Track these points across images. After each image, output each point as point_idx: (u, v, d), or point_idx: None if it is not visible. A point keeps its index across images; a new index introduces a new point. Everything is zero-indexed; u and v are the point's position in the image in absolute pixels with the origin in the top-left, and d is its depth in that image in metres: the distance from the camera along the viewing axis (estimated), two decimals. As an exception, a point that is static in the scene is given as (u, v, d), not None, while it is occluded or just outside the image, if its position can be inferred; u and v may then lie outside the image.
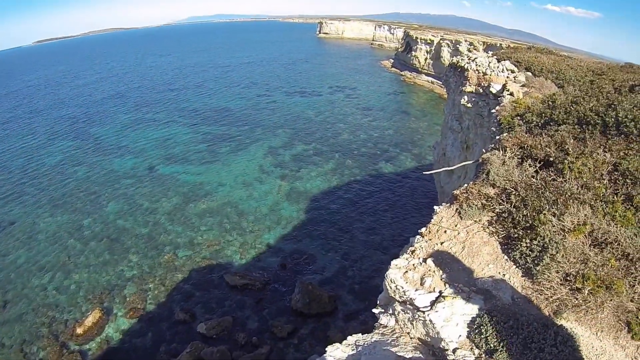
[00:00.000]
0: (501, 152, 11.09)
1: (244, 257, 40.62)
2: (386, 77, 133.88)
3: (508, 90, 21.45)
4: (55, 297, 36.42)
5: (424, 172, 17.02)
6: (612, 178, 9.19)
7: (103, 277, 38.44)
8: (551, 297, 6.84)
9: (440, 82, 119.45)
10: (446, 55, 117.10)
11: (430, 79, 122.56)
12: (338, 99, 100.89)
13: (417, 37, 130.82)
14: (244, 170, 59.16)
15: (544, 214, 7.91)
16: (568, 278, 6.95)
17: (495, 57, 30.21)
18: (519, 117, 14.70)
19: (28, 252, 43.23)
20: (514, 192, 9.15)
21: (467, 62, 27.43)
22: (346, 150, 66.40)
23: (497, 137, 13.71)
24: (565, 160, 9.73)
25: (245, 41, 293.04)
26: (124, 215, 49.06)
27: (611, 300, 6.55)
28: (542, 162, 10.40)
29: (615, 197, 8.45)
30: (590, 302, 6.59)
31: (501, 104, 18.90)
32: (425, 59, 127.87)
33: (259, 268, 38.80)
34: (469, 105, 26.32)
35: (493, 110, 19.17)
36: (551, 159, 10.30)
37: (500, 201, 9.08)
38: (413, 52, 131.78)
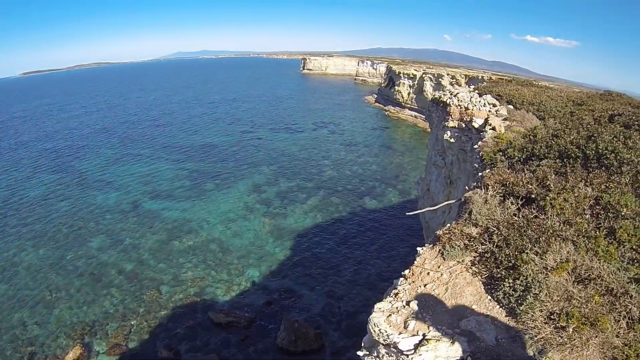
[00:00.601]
0: (483, 190, 11.14)
1: (228, 294, 40.03)
2: (370, 112, 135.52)
3: (490, 125, 21.70)
4: (35, 332, 35.52)
5: (407, 213, 17.07)
6: (594, 212, 9.21)
7: (85, 313, 37.60)
8: (535, 336, 6.74)
9: (424, 116, 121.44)
10: (429, 89, 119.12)
11: (413, 113, 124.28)
12: (322, 135, 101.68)
13: (399, 72, 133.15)
14: (228, 207, 58.80)
15: (527, 253, 7.91)
16: (552, 316, 6.87)
17: (476, 91, 30.65)
18: (501, 153, 14.80)
19: (8, 285, 42.38)
20: (496, 232, 9.14)
21: (449, 97, 27.77)
22: (331, 187, 66.52)
23: (480, 174, 13.75)
24: (547, 197, 9.75)
25: (230, 77, 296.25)
26: (107, 250, 48.39)
27: (596, 337, 6.45)
28: (524, 199, 10.38)
29: (597, 232, 8.45)
30: (575, 339, 6.49)
31: (483, 139, 19.03)
32: (408, 93, 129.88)
33: (244, 305, 38.21)
34: (452, 140, 26.58)
35: (475, 146, 19.28)
36: (533, 195, 10.29)
37: (483, 241, 9.07)
38: (396, 87, 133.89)
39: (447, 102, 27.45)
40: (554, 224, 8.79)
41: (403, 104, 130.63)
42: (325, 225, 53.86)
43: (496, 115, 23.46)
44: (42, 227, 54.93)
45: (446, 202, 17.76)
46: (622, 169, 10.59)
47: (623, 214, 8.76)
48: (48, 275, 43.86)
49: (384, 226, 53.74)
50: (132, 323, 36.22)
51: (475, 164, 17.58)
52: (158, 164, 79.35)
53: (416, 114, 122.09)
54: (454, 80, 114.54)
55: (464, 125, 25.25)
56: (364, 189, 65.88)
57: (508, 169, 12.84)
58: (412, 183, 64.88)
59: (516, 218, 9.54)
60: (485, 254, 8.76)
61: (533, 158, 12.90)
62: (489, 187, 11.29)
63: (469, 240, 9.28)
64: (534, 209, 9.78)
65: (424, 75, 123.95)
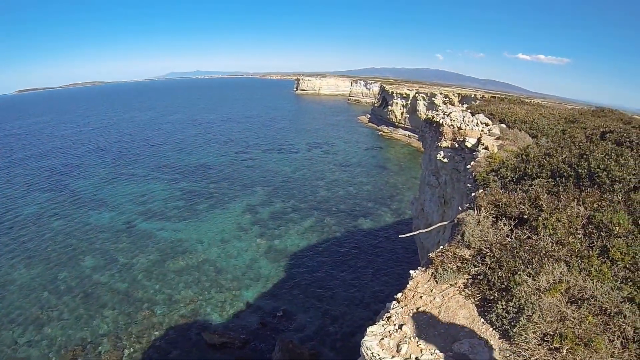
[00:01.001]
0: (476, 211, 11.18)
1: (222, 315, 39.69)
2: (363, 132, 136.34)
3: (483, 144, 21.85)
4: (27, 351, 34.99)
5: (399, 236, 17.07)
6: (587, 231, 9.22)
7: (77, 333, 37.07)
8: (529, 358, 6.69)
9: (417, 136, 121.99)
10: (422, 109, 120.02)
11: (407, 132, 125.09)
12: (316, 156, 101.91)
13: (392, 92, 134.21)
14: (222, 228, 58.56)
15: (519, 274, 7.92)
16: (546, 338, 6.82)
17: (469, 110, 30.87)
18: (493, 173, 14.86)
19: (0, 304, 41.82)
20: (488, 254, 9.16)
21: (442, 117, 27.99)
22: (325, 207, 66.46)
23: (473, 195, 13.81)
24: (539, 217, 9.77)
25: (224, 98, 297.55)
26: (100, 269, 47.93)
27: (590, 357, 6.39)
28: (516, 220, 10.41)
29: (590, 252, 8.47)
30: (569, 361, 6.50)
31: (476, 159, 19.20)
32: (402, 113, 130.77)
33: (238, 326, 37.86)
34: (445, 160, 26.74)
35: (469, 166, 19.41)
36: (525, 216, 10.31)
37: (475, 263, 9.10)
38: (389, 107, 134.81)
39: (440, 122, 27.68)
40: (547, 244, 8.80)
41: (396, 123, 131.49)
42: (320, 246, 53.69)
43: (489, 135, 23.65)
44: (35, 246, 54.46)
45: (439, 224, 17.82)
46: (614, 186, 10.68)
47: (616, 232, 8.78)
48: (40, 294, 43.34)
49: (379, 246, 53.69)
50: (125, 344, 35.75)
51: (468, 184, 17.65)
52: (152, 184, 79.13)
53: (410, 133, 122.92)
54: (447, 99, 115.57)
55: (457, 145, 25.41)
56: (358, 210, 65.87)
57: (501, 189, 12.88)
58: (407, 203, 64.85)
59: (509, 239, 9.57)
60: (478, 276, 8.78)
61: (526, 177, 12.96)
62: (482, 208, 11.32)
63: (461, 263, 9.31)
64: (526, 229, 9.79)
65: (417, 94, 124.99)
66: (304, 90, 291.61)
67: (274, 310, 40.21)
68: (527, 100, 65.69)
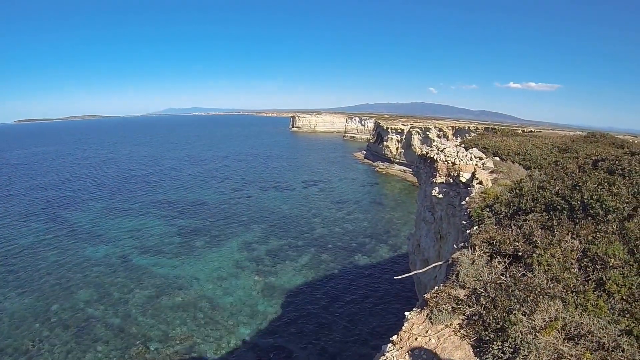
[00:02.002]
0: (470, 251, 11.25)
1: (218, 352, 39.13)
2: (359, 168, 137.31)
3: (477, 179, 22.14)
4: (15, 384, 34.22)
5: (395, 277, 17.27)
6: (582, 265, 9.19)
7: (68, 368, 36.50)
8: None
9: (412, 171, 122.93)
10: (417, 143, 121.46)
11: (402, 167, 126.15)
12: (312, 193, 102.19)
13: (387, 127, 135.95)
14: (218, 265, 58.25)
15: (514, 314, 7.87)
16: None
17: (463, 145, 31.35)
18: (488, 209, 14.89)
19: (-11, 333, 41.26)
20: (483, 293, 9.19)
21: (436, 153, 28.34)
22: (321, 244, 66.31)
23: (467, 232, 13.97)
24: (534, 254, 9.79)
25: (221, 135, 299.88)
26: (94, 303, 47.38)
27: None
28: (511, 257, 10.45)
29: (586, 286, 8.47)
30: (567, 399, 6.42)
31: (470, 195, 19.47)
32: (397, 148, 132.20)
33: (234, 365, 37.59)
34: (440, 196, 27.10)
35: (463, 202, 19.61)
36: (520, 253, 10.33)
37: (470, 303, 9.11)
38: (384, 142, 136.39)
39: (434, 157, 27.99)
40: (542, 281, 8.82)
41: (392, 159, 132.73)
42: (316, 283, 53.40)
43: (483, 169, 24.02)
44: (28, 276, 54.13)
45: (433, 265, 17.98)
46: (608, 217, 10.65)
47: (611, 264, 8.79)
48: (32, 325, 42.78)
49: (376, 282, 53.46)
50: (118, 382, 35.39)
51: (463, 221, 17.75)
52: (148, 219, 79.04)
53: (405, 168, 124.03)
54: (442, 132, 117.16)
55: (451, 180, 25.79)
56: (355, 246, 65.83)
57: (495, 226, 12.94)
58: (403, 238, 65.14)
59: (503, 278, 9.59)
60: (473, 317, 8.75)
61: (520, 212, 12.99)
62: (476, 247, 11.38)
63: (456, 303, 9.31)
64: (521, 267, 9.82)
65: (411, 129, 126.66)
66: (299, 127, 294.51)
67: (271, 348, 39.79)
68: (519, 131, 66.57)
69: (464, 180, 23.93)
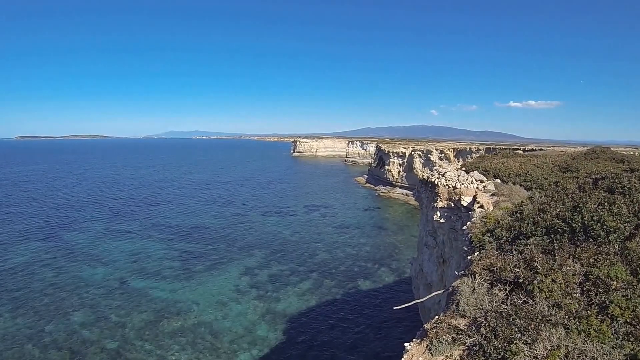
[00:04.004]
0: (470, 278, 11.10)
1: (218, 380, 38.75)
2: (361, 193, 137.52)
3: (478, 202, 22.03)
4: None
5: (394, 307, 17.11)
6: (584, 289, 9.07)
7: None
8: None
9: (414, 195, 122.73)
10: (419, 166, 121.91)
11: (404, 191, 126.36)
12: (314, 218, 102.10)
13: (389, 151, 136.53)
14: (219, 290, 57.67)
15: (516, 343, 7.70)
16: None
17: (463, 168, 31.25)
18: (489, 234, 14.75)
19: (-20, 352, 40.67)
20: (484, 323, 8.99)
21: (437, 177, 28.29)
22: (323, 269, 65.83)
23: (469, 258, 13.85)
24: (535, 280, 9.63)
25: (222, 159, 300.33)
26: (89, 326, 46.67)
27: None
28: (512, 285, 10.29)
29: (588, 311, 8.31)
30: None
31: (472, 219, 19.34)
32: (399, 172, 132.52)
33: (234, 392, 36.96)
34: (442, 220, 26.97)
35: (464, 227, 19.49)
36: (521, 280, 10.15)
37: (471, 333, 8.90)
38: (386, 166, 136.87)
39: (436, 182, 27.94)
40: (543, 308, 8.68)
41: (394, 182, 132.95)
42: (319, 308, 52.80)
43: (484, 192, 23.96)
44: (23, 295, 53.71)
45: (433, 294, 17.80)
46: (610, 237, 10.58)
47: (614, 286, 8.68)
48: (24, 346, 42.21)
49: (379, 306, 52.92)
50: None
51: (464, 246, 17.59)
52: (148, 242, 78.72)
53: (407, 191, 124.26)
54: (443, 154, 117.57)
55: (452, 205, 25.74)
56: (357, 270, 65.37)
57: (496, 251, 12.81)
58: (406, 261, 64.55)
59: (504, 306, 9.41)
60: (474, 347, 8.55)
61: (521, 237, 12.87)
62: (477, 274, 11.23)
63: (456, 334, 9.13)
64: (522, 294, 9.65)
65: (413, 152, 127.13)
66: (301, 152, 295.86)
67: (271, 376, 39.25)
68: (520, 150, 66.37)
69: (465, 204, 23.89)
